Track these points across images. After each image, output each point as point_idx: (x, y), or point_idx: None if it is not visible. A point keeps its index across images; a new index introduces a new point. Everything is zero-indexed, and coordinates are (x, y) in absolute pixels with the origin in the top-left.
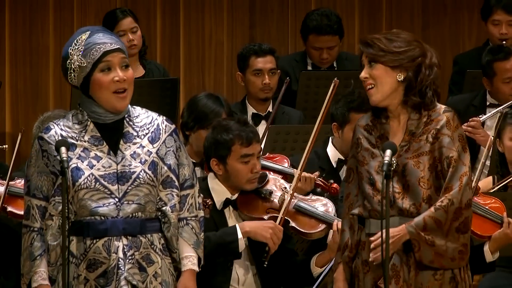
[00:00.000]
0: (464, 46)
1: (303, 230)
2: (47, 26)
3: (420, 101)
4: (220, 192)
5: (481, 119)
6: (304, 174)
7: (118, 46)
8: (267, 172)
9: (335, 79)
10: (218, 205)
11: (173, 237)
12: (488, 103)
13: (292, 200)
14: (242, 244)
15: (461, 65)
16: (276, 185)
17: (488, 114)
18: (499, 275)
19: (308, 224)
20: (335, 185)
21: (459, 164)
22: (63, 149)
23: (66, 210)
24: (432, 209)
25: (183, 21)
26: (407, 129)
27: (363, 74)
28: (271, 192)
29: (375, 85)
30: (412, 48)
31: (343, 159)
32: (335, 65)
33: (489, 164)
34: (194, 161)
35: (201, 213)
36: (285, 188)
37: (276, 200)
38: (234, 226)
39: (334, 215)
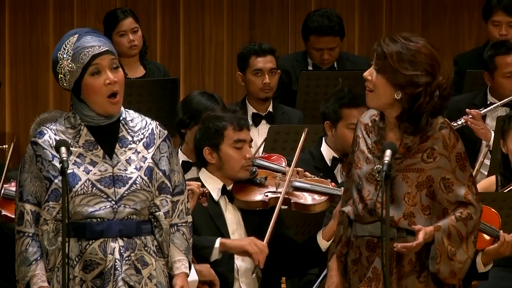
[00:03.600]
0: (464, 46)
1: (305, 203)
2: (47, 26)
3: (412, 128)
4: (214, 183)
5: (482, 112)
6: (298, 169)
7: (107, 48)
8: (256, 167)
9: (305, 129)
10: (215, 194)
11: (164, 242)
12: (488, 102)
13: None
14: (215, 253)
15: (461, 65)
16: (268, 174)
17: (488, 108)
18: (499, 275)
19: (309, 198)
20: (332, 184)
21: (458, 185)
22: (63, 149)
23: (66, 212)
24: (453, 217)
25: (183, 21)
26: (402, 142)
27: (367, 73)
28: (266, 177)
29: (373, 91)
30: (420, 74)
31: (338, 157)
32: (335, 65)
33: (488, 164)
34: (190, 160)
35: (190, 218)
36: (277, 176)
37: (272, 186)
38: (216, 237)
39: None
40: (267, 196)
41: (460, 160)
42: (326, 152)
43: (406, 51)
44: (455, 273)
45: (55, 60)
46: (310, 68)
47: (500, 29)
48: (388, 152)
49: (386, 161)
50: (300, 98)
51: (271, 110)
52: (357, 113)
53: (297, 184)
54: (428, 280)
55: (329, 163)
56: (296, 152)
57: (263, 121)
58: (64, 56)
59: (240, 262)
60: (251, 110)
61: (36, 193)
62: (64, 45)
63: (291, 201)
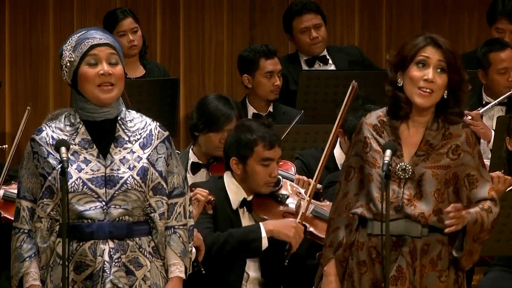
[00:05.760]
0: (464, 46)
1: (321, 235)
2: (47, 26)
3: (455, 116)
4: (236, 191)
5: (480, 111)
6: (303, 178)
7: (108, 42)
8: (281, 177)
9: (354, 81)
10: (235, 204)
11: (159, 244)
12: (484, 102)
13: (309, 206)
14: (265, 243)
15: None
16: (291, 190)
17: (486, 107)
18: (499, 275)
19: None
20: None
21: (482, 181)
22: (63, 149)
23: (66, 212)
24: (478, 208)
25: (183, 21)
26: (424, 139)
27: (432, 76)
28: (287, 197)
29: (434, 92)
30: (464, 71)
31: None
32: (328, 57)
33: (489, 164)
34: (201, 162)
35: (191, 222)
36: (300, 193)
37: (292, 205)
38: (258, 225)
39: None
40: (284, 217)
41: (481, 157)
42: (339, 155)
43: (455, 51)
44: (472, 252)
45: (60, 54)
46: (303, 65)
47: (503, 36)
48: (388, 152)
49: (386, 161)
50: (300, 98)
51: (271, 110)
52: None
53: (317, 210)
54: (449, 280)
55: (339, 166)
56: (322, 157)
57: None
58: (68, 47)
59: (251, 272)
60: (251, 110)
61: (32, 190)
62: (70, 39)
63: (307, 229)
